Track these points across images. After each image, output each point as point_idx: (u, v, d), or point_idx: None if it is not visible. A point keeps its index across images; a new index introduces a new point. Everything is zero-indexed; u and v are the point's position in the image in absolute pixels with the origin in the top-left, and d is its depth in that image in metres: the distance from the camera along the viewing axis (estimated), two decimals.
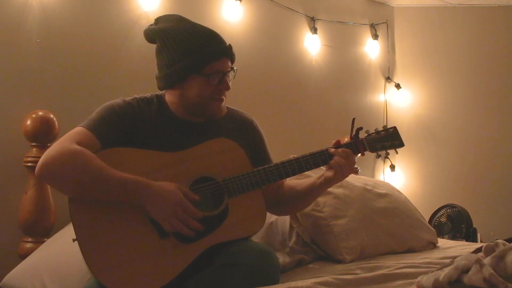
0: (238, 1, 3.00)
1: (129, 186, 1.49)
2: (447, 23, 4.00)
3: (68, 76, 2.35)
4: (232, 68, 1.72)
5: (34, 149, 2.13)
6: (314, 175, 1.83)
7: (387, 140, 1.74)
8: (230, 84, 1.71)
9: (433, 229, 2.48)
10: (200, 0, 2.91)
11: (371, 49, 3.83)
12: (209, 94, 1.67)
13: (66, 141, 1.53)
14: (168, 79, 1.68)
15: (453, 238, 3.21)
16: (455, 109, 3.95)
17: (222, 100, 1.72)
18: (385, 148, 1.75)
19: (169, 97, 1.73)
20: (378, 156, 1.78)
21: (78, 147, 1.50)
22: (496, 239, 1.42)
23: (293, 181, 1.84)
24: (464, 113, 3.93)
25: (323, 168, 1.74)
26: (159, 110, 1.71)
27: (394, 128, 1.77)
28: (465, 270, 1.25)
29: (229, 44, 1.71)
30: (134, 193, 1.49)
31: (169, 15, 1.79)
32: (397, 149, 1.77)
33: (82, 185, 1.48)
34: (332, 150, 1.68)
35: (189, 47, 1.64)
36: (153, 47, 1.75)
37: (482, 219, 3.48)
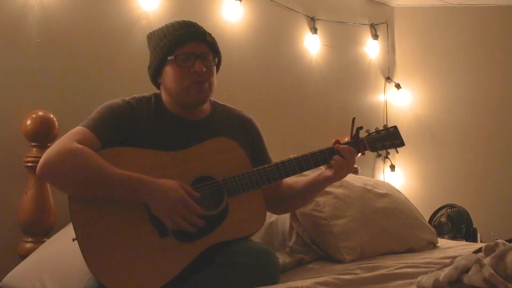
0: (238, 1, 3.00)
1: (131, 184, 1.49)
2: (447, 23, 4.00)
3: (68, 76, 2.35)
4: (216, 55, 1.70)
5: (34, 149, 2.13)
6: (312, 174, 1.82)
7: (387, 139, 1.73)
8: (216, 71, 1.71)
9: (433, 229, 2.48)
10: (200, 0, 2.91)
11: (371, 49, 3.84)
12: (185, 79, 1.64)
13: (66, 140, 1.53)
14: (149, 71, 1.72)
15: (453, 238, 3.21)
16: (455, 109, 3.95)
17: (201, 84, 1.65)
18: (386, 147, 1.74)
19: (163, 95, 1.74)
20: (379, 155, 1.77)
21: (79, 146, 1.50)
22: (496, 239, 1.42)
23: (292, 179, 1.83)
24: (464, 113, 3.93)
25: (321, 167, 1.73)
26: (157, 109, 1.71)
27: (395, 127, 1.76)
28: (465, 270, 1.25)
29: (202, 30, 1.69)
30: (136, 190, 1.49)
31: None
32: (397, 149, 1.76)
33: (84, 183, 1.48)
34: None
35: (161, 36, 1.67)
36: None
37: (482, 219, 3.48)
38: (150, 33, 1.74)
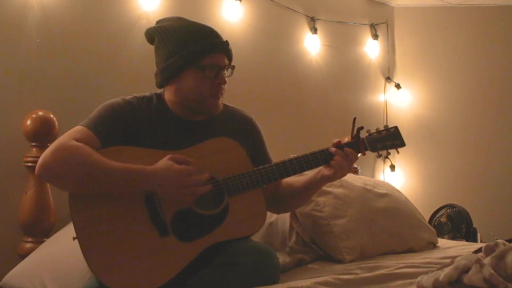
0: (238, 1, 3.00)
1: (132, 175, 1.48)
2: (447, 23, 4.00)
3: (68, 76, 2.35)
4: (230, 65, 1.71)
5: (34, 149, 2.13)
6: (310, 173, 1.82)
7: (388, 139, 1.73)
8: (226, 80, 1.70)
9: (433, 229, 2.48)
10: (200, 0, 2.91)
11: (371, 49, 3.84)
12: (205, 89, 1.64)
13: (64, 139, 1.53)
14: (164, 73, 1.67)
15: (453, 238, 3.21)
16: (455, 109, 3.95)
17: (219, 97, 1.69)
18: (386, 147, 1.74)
19: (167, 95, 1.72)
20: (379, 155, 1.77)
21: (76, 143, 1.50)
22: (496, 239, 1.42)
23: (291, 179, 1.84)
24: (464, 113, 3.93)
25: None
26: (158, 109, 1.71)
27: (396, 127, 1.76)
28: (465, 270, 1.25)
29: (226, 40, 1.70)
30: (137, 181, 1.49)
31: (169, 17, 1.78)
32: (398, 149, 1.76)
33: (83, 179, 1.47)
34: (333, 149, 1.68)
35: (186, 40, 1.64)
36: (153, 47, 1.74)
37: (482, 219, 3.48)
38: (164, 27, 1.69)
